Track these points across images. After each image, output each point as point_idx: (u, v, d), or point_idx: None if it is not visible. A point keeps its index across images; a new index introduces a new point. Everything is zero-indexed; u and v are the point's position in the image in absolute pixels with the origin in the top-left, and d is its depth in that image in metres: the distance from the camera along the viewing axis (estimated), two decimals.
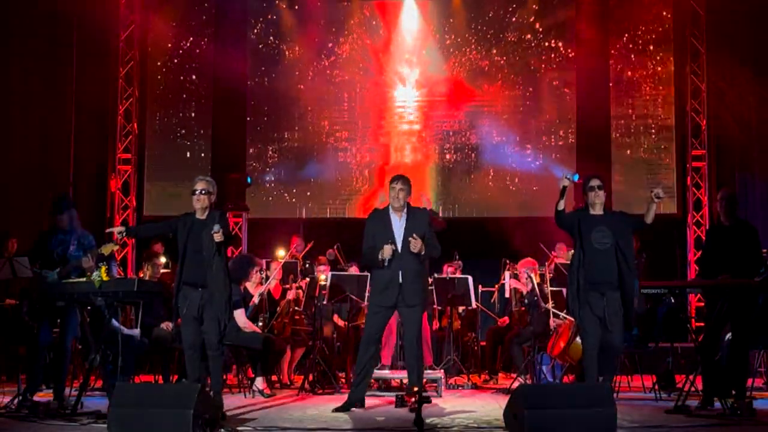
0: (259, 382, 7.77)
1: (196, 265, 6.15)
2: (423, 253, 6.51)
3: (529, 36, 11.63)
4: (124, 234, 6.40)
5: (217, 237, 6.05)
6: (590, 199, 6.30)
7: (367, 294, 8.07)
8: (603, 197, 6.28)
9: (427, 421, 5.92)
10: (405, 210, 6.62)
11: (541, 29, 11.64)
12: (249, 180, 11.52)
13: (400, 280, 6.51)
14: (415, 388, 6.17)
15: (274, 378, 8.46)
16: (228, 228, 6.46)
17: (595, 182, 6.29)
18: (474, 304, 9.02)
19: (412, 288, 6.52)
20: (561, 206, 6.27)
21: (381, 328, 6.72)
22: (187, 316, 6.20)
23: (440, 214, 8.16)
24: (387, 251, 6.46)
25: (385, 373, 7.82)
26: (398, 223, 6.60)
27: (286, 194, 11.87)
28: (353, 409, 6.43)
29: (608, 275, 6.10)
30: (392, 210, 6.63)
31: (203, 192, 6.23)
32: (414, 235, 6.46)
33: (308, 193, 11.85)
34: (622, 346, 6.38)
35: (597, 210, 6.27)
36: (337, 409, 6.39)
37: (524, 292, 8.71)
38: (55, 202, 6.96)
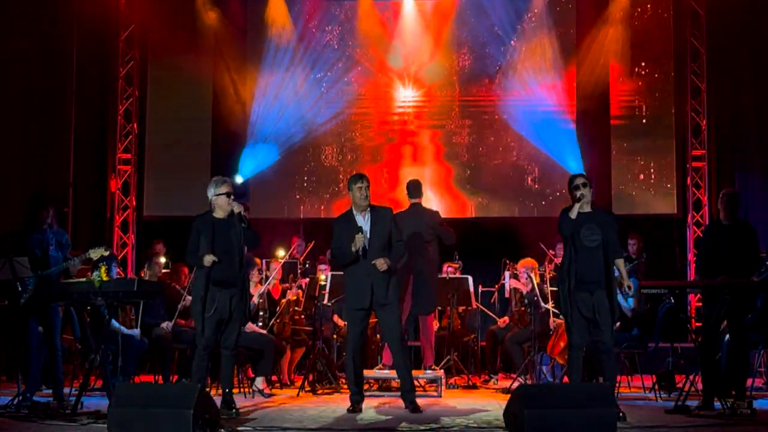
0: (259, 382, 7.78)
1: (225, 265, 6.23)
2: (389, 264, 6.47)
3: (528, 36, 11.60)
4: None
5: (236, 207, 6.23)
6: (576, 195, 6.20)
7: None
8: (590, 195, 6.22)
9: (427, 421, 5.93)
10: (368, 209, 6.60)
11: (540, 29, 11.62)
12: (247, 180, 11.52)
13: (372, 281, 6.47)
14: None
15: (274, 378, 8.46)
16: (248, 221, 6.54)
17: (580, 180, 6.21)
18: (474, 304, 9.03)
19: (383, 286, 6.46)
20: (574, 215, 6.18)
21: (363, 334, 6.72)
22: (214, 318, 6.22)
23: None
24: (359, 240, 6.42)
25: (386, 373, 7.78)
26: (363, 223, 6.56)
27: (286, 194, 11.86)
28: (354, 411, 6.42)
29: (597, 274, 6.10)
30: (356, 210, 6.59)
31: (233, 195, 6.34)
32: (379, 260, 6.43)
33: (308, 194, 11.84)
34: (614, 343, 6.34)
35: (585, 208, 6.21)
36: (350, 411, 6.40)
37: (524, 292, 8.71)
38: (36, 198, 6.92)
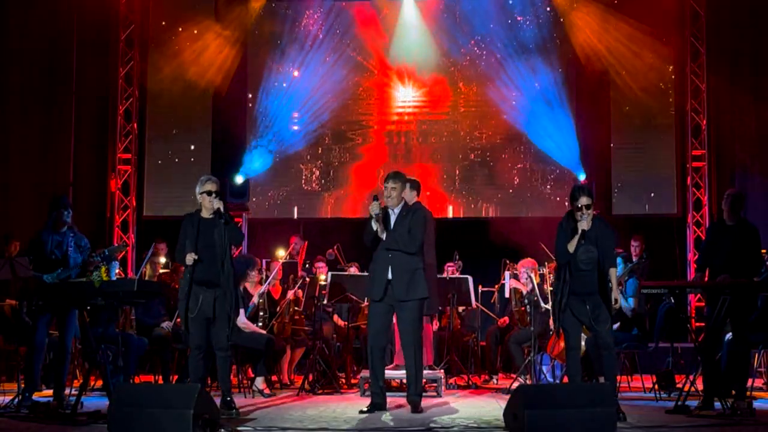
0: (259, 382, 7.78)
1: (207, 264, 6.20)
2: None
3: (528, 37, 11.59)
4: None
5: (216, 203, 6.19)
6: (577, 217, 6.17)
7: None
8: (591, 215, 6.17)
9: (427, 421, 5.93)
10: (401, 206, 6.58)
11: (540, 29, 11.60)
12: (248, 179, 11.52)
13: (390, 275, 6.44)
14: None
15: (274, 378, 8.46)
16: (231, 218, 6.46)
17: (583, 201, 6.12)
18: (474, 304, 9.02)
19: (403, 282, 6.42)
20: (572, 249, 6.18)
21: (381, 326, 6.55)
22: (199, 317, 6.20)
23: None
24: (374, 206, 6.38)
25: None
26: (393, 218, 6.56)
27: (285, 194, 11.86)
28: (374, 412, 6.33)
29: (590, 287, 6.17)
30: (389, 207, 6.60)
31: (216, 194, 6.28)
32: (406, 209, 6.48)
33: (308, 194, 11.84)
34: (613, 341, 6.35)
35: (584, 225, 6.18)
36: (363, 411, 6.32)
37: (524, 292, 8.71)
38: (59, 199, 6.92)
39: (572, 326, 6.21)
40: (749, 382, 6.90)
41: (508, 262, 9.09)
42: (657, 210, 11.40)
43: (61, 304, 6.57)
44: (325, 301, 8.32)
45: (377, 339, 6.53)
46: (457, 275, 8.98)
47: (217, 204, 6.26)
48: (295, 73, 11.75)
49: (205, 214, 6.35)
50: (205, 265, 6.20)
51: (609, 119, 11.52)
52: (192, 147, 11.78)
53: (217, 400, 5.82)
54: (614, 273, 6.35)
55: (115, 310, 7.08)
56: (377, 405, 6.39)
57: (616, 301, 6.27)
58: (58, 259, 6.69)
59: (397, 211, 6.57)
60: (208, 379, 7.02)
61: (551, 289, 8.30)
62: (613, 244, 6.39)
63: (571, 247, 6.12)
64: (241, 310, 7.88)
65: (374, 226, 6.41)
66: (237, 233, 6.49)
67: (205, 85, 11.74)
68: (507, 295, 9.07)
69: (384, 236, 6.43)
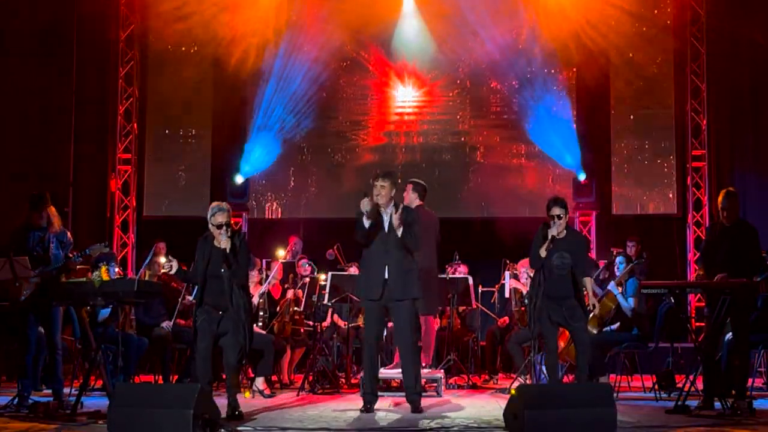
0: (259, 382, 7.78)
1: (215, 292, 6.18)
2: (401, 229, 6.40)
3: (528, 37, 11.58)
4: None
5: (224, 243, 6.11)
6: (551, 225, 6.65)
7: None
8: (564, 224, 6.65)
9: (427, 421, 5.93)
10: (393, 205, 6.53)
11: (540, 30, 11.59)
12: (247, 179, 11.52)
13: (386, 275, 6.42)
14: None
15: (274, 378, 8.46)
16: (245, 249, 6.36)
17: (556, 211, 6.63)
18: (474, 304, 9.03)
19: (399, 282, 6.41)
20: (543, 254, 6.62)
21: (379, 329, 6.62)
22: (204, 325, 6.18)
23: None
24: (365, 203, 6.36)
25: (390, 373, 7.72)
26: (386, 218, 6.53)
27: (286, 194, 11.86)
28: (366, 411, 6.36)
29: (564, 292, 6.61)
30: (381, 207, 6.54)
31: (228, 226, 6.21)
32: (397, 208, 6.41)
33: (308, 193, 11.84)
34: (589, 339, 6.77)
35: (560, 235, 6.66)
36: (362, 411, 6.34)
37: (524, 292, 8.71)
38: (34, 199, 6.88)
39: (549, 332, 6.63)
40: (749, 382, 6.91)
41: (508, 262, 9.10)
42: (657, 210, 11.41)
43: (43, 301, 6.56)
44: (325, 301, 8.32)
45: (373, 341, 6.55)
46: (457, 275, 8.98)
47: (225, 244, 6.14)
48: (297, 73, 11.72)
49: (216, 243, 6.24)
50: (213, 295, 6.19)
51: (609, 119, 11.52)
52: (192, 147, 11.78)
53: (218, 400, 5.81)
54: (589, 282, 6.88)
55: (115, 310, 7.06)
56: (368, 403, 6.40)
57: (594, 306, 6.82)
58: (40, 256, 6.66)
59: (389, 211, 6.52)
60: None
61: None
62: (586, 253, 6.94)
63: (543, 252, 6.58)
64: None
65: (366, 223, 6.40)
66: (245, 266, 6.43)
67: (206, 85, 11.74)
68: (507, 295, 9.08)
69: (367, 225, 6.39)
